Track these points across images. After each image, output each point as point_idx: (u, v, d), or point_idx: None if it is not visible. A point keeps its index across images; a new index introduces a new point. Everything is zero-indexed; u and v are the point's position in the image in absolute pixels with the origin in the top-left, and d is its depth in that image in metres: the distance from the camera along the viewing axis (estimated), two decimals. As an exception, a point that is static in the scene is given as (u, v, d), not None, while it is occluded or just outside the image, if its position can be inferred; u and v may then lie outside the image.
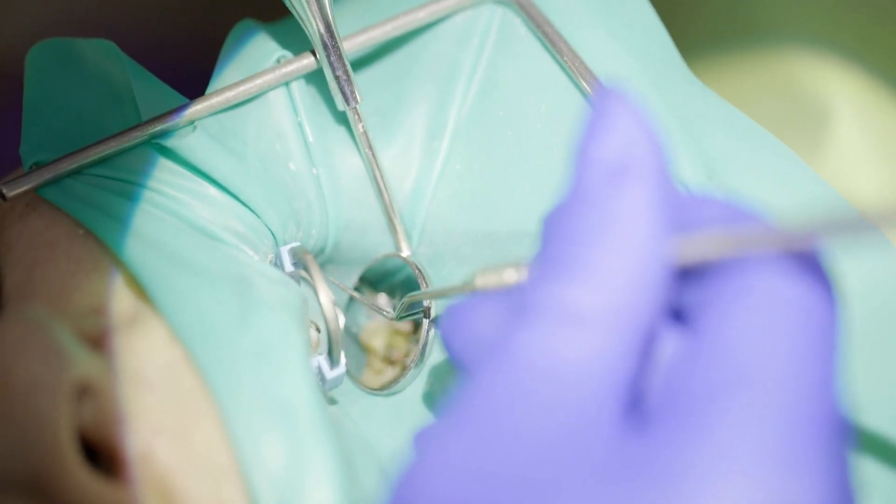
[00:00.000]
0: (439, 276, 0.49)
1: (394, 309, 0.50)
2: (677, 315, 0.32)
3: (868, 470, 0.43)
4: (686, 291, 0.31)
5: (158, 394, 0.41)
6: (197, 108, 0.46)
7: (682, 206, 0.32)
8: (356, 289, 0.51)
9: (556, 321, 0.29)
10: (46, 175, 0.44)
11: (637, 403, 0.30)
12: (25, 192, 0.45)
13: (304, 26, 0.47)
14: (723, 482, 0.27)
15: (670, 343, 0.31)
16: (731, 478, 0.27)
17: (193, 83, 0.49)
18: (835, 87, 0.63)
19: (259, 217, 0.46)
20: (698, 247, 0.30)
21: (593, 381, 0.29)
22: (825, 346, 0.29)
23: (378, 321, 0.51)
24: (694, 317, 0.30)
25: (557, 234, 0.31)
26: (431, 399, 0.48)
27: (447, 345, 0.35)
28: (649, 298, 0.30)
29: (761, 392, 0.28)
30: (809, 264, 0.30)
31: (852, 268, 0.45)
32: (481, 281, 0.36)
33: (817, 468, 0.28)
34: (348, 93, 0.48)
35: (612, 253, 0.30)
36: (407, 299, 0.48)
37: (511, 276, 0.35)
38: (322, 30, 0.47)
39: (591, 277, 0.30)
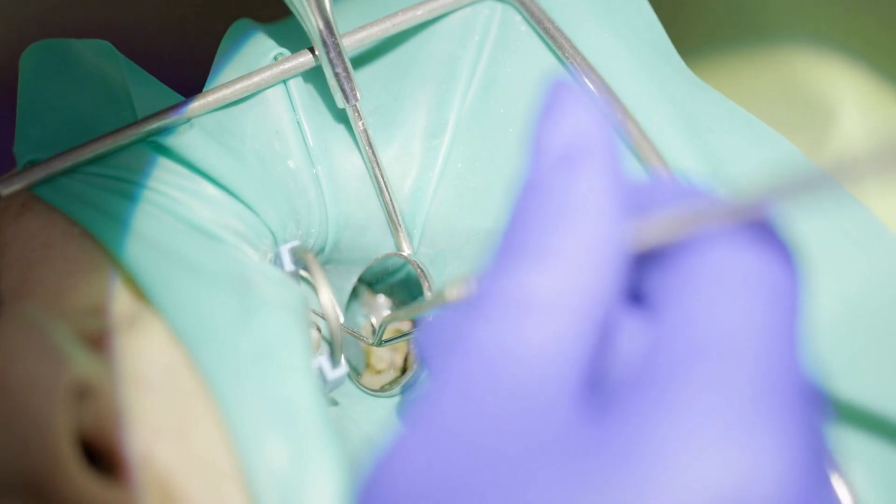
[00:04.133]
0: (441, 275, 0.49)
1: (373, 334, 0.50)
2: (638, 299, 0.31)
3: (852, 443, 0.42)
4: (646, 275, 0.31)
5: (158, 395, 0.40)
6: (194, 105, 0.46)
7: (636, 190, 0.32)
8: (354, 289, 0.50)
9: (512, 309, 0.29)
10: (41, 173, 0.44)
11: (600, 388, 0.30)
12: (20, 192, 0.44)
13: (302, 23, 0.47)
14: (692, 453, 0.27)
15: (631, 326, 0.31)
16: (700, 448, 0.27)
17: (191, 83, 0.49)
18: (839, 85, 0.63)
19: (258, 216, 0.46)
20: (654, 228, 0.30)
21: (551, 365, 0.29)
22: (786, 314, 0.29)
23: (378, 321, 0.51)
24: (654, 299, 0.30)
25: (511, 222, 0.31)
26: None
27: (424, 358, 0.35)
28: (605, 281, 0.29)
29: (722, 364, 0.28)
30: (767, 235, 0.30)
31: (857, 264, 0.45)
32: (452, 292, 0.36)
33: (784, 435, 0.27)
34: (348, 90, 0.47)
35: (566, 237, 0.29)
36: (384, 320, 0.48)
37: (478, 282, 0.35)
38: (321, 26, 0.46)
39: (545, 262, 0.29)
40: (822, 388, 0.29)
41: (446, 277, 0.49)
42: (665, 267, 0.30)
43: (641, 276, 0.31)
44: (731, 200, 0.29)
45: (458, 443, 0.28)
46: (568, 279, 0.29)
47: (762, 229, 0.29)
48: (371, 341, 0.49)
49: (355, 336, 0.49)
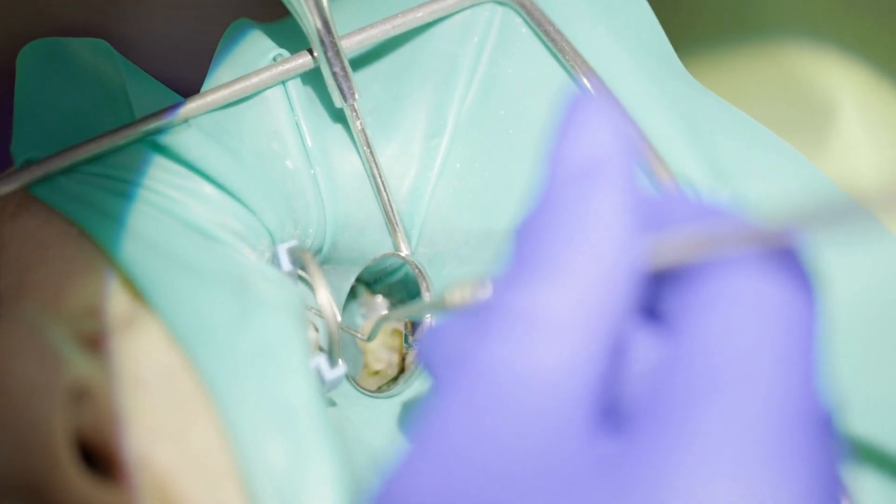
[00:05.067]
0: (439, 276, 0.49)
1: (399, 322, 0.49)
2: (654, 315, 0.31)
3: (864, 474, 0.42)
4: (663, 295, 0.30)
5: (156, 396, 0.40)
6: (192, 105, 0.46)
7: (653, 206, 0.31)
8: (352, 289, 0.50)
9: (521, 326, 0.29)
10: (38, 172, 0.44)
11: (612, 409, 0.30)
12: (17, 191, 0.44)
13: (300, 22, 0.47)
14: (707, 484, 0.26)
15: (646, 347, 0.30)
16: (715, 479, 0.26)
17: (188, 82, 0.49)
18: (838, 83, 0.63)
19: (256, 215, 0.46)
20: (671, 248, 0.30)
21: (562, 388, 0.28)
22: (805, 344, 0.29)
23: (375, 321, 0.51)
24: (672, 321, 0.30)
25: (526, 237, 0.31)
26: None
27: (428, 368, 0.35)
28: (619, 299, 0.29)
29: (741, 393, 0.27)
30: (788, 261, 0.29)
31: (856, 267, 0.45)
32: (452, 297, 0.35)
33: (802, 465, 0.27)
34: (346, 89, 0.47)
35: (579, 254, 0.29)
36: (382, 318, 0.48)
37: (484, 291, 0.34)
38: (319, 25, 0.46)
39: (557, 278, 0.29)
40: (837, 418, 0.29)
41: (444, 278, 0.49)
42: (683, 288, 0.30)
43: (658, 294, 0.31)
44: (751, 225, 0.29)
45: (467, 466, 0.28)
46: (580, 297, 0.29)
47: (783, 256, 0.29)
48: (364, 337, 0.49)
49: (350, 332, 0.49)
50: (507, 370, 0.28)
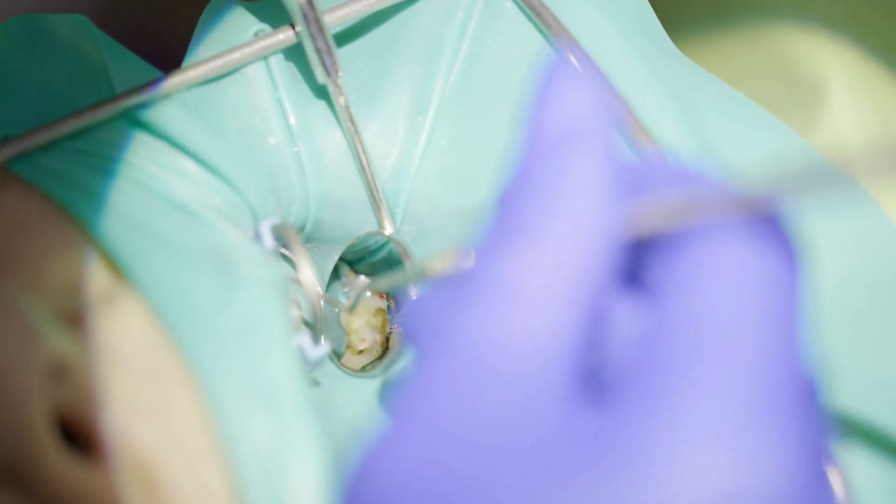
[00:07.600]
0: (423, 254, 0.48)
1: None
2: (636, 283, 0.31)
3: (855, 449, 0.42)
4: (646, 263, 0.30)
5: (137, 374, 0.40)
6: (173, 81, 0.45)
7: (633, 173, 0.31)
8: (335, 268, 0.50)
9: (500, 295, 0.28)
10: (17, 149, 0.43)
11: (595, 379, 0.29)
12: (-4, 167, 0.44)
13: (283, -3, 0.46)
14: (689, 454, 0.26)
15: (629, 316, 0.30)
16: (698, 449, 0.26)
17: (169, 59, 0.48)
18: (828, 63, 0.62)
19: (238, 192, 0.45)
20: (653, 215, 0.29)
21: (542, 356, 0.28)
22: (788, 311, 0.28)
23: (357, 292, 0.50)
24: (654, 289, 0.30)
25: (505, 206, 0.30)
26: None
27: (410, 339, 0.34)
28: (599, 268, 0.29)
29: (724, 362, 0.27)
30: (771, 228, 0.29)
31: (846, 248, 0.45)
32: (434, 266, 0.35)
33: (786, 435, 0.27)
34: (329, 65, 0.47)
35: (558, 221, 0.29)
36: (362, 289, 0.48)
37: (465, 260, 0.34)
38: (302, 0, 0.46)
39: (536, 246, 0.29)
40: (821, 383, 0.29)
41: (429, 255, 0.48)
42: (664, 255, 0.29)
43: (640, 262, 0.30)
44: (733, 190, 0.28)
45: (447, 438, 0.28)
46: (559, 264, 0.28)
47: (764, 221, 0.29)
48: (346, 307, 0.48)
49: (333, 303, 0.48)
50: (486, 339, 0.28)
